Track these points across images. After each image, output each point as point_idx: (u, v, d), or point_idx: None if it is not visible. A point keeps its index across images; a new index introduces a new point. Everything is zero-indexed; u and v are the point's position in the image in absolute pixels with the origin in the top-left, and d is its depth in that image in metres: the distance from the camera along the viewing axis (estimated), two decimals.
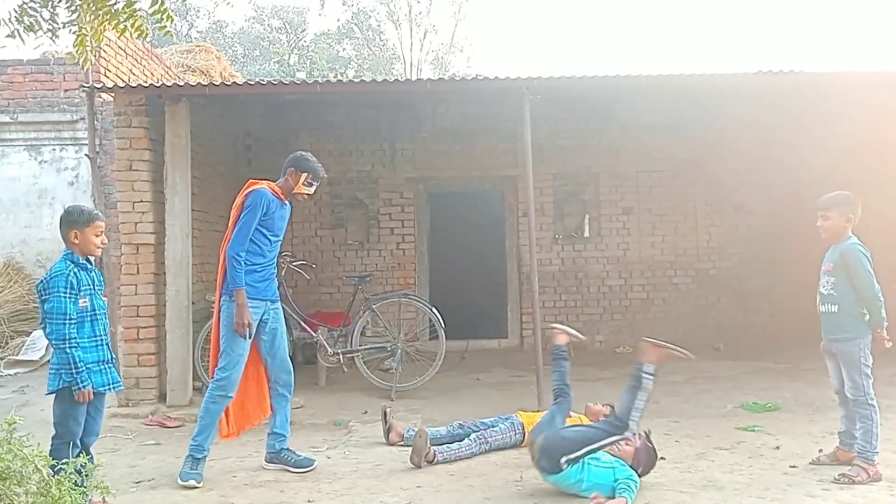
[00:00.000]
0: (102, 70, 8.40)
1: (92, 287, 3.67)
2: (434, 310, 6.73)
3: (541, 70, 7.43)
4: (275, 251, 4.50)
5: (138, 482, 4.27)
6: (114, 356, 3.83)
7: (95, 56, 4.13)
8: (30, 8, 3.66)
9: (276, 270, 4.59)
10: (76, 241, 3.64)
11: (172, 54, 11.47)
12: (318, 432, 5.39)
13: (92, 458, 3.50)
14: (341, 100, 8.54)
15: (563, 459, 3.77)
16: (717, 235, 9.15)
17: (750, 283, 8.99)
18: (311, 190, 4.55)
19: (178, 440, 5.08)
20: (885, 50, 29.09)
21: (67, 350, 3.51)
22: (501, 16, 42.32)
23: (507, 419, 4.88)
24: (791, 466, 4.27)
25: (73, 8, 3.70)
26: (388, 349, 6.67)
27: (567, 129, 8.98)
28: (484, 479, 4.20)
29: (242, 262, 4.26)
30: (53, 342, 3.55)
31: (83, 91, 6.33)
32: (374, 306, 6.66)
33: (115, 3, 3.73)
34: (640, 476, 3.86)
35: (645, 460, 3.93)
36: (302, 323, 6.70)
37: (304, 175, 4.45)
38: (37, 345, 8.14)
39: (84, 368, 3.53)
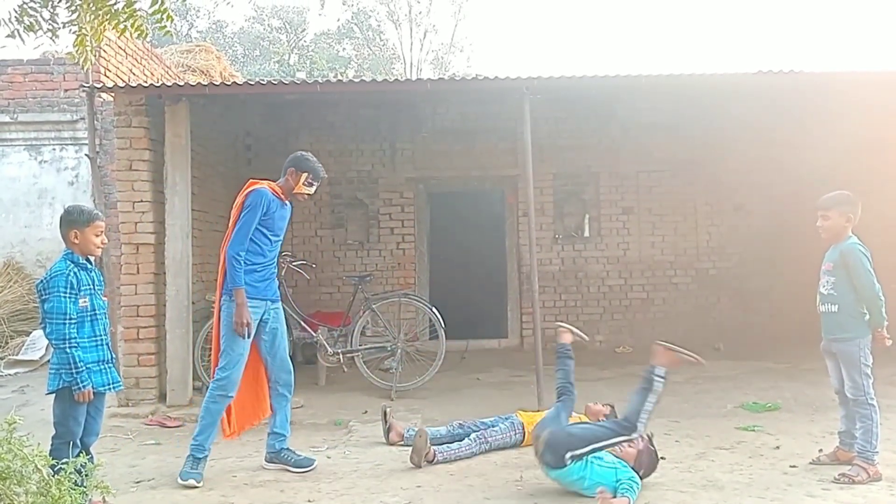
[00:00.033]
0: (102, 70, 8.40)
1: (92, 287, 3.67)
2: (434, 310, 6.73)
3: (541, 70, 7.44)
4: (275, 251, 4.50)
5: (138, 482, 4.27)
6: (114, 356, 3.83)
7: (95, 56, 4.13)
8: (30, 8, 3.66)
9: (276, 270, 4.59)
10: (76, 241, 3.64)
11: (172, 54, 11.47)
12: (318, 432, 5.39)
13: (92, 457, 3.50)
14: (341, 100, 8.54)
15: (568, 455, 3.77)
16: (717, 235, 9.15)
17: (750, 283, 8.99)
18: (312, 190, 4.55)
19: (178, 440, 5.08)
20: (885, 50, 29.10)
21: (67, 350, 3.51)
22: (501, 16, 42.35)
23: (507, 419, 4.88)
24: (791, 466, 4.27)
25: (73, 8, 3.70)
26: (388, 349, 6.67)
27: (567, 129, 8.98)
28: (484, 479, 4.20)
29: (242, 262, 4.26)
30: (53, 342, 3.55)
31: (83, 91, 6.33)
32: (374, 306, 6.66)
33: (115, 3, 3.73)
34: (640, 478, 3.86)
35: (647, 463, 3.94)
36: (302, 323, 6.70)
37: (305, 175, 4.46)
38: (37, 345, 8.14)
39: (84, 368, 3.53)
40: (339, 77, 18.19)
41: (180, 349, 6.06)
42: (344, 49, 28.45)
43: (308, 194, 4.57)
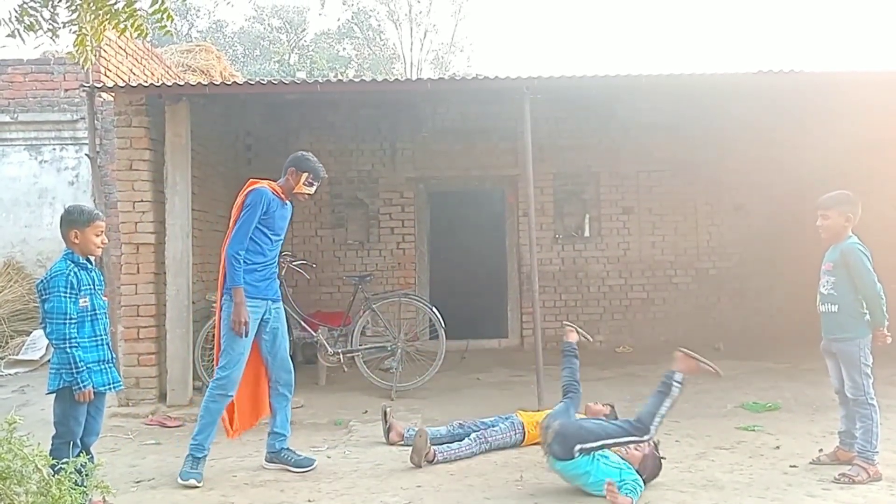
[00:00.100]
0: (102, 70, 8.41)
1: (92, 287, 3.67)
2: (434, 309, 6.73)
3: (541, 70, 7.44)
4: (276, 250, 4.51)
5: (138, 482, 4.27)
6: (114, 356, 3.83)
7: (95, 56, 4.13)
8: (30, 8, 3.66)
9: (277, 270, 4.59)
10: (76, 241, 3.64)
11: (172, 54, 11.47)
12: (319, 432, 5.39)
13: (92, 457, 3.51)
14: (341, 99, 8.54)
15: (578, 447, 3.78)
16: (717, 235, 9.15)
17: (750, 283, 8.99)
18: (312, 190, 4.55)
19: (179, 440, 5.08)
20: (885, 50, 29.10)
21: (68, 350, 3.51)
22: (501, 16, 42.35)
23: (507, 419, 4.88)
24: (791, 466, 4.27)
25: (74, 7, 3.70)
26: (389, 349, 6.67)
27: (567, 129, 8.98)
28: (484, 479, 4.20)
29: (241, 261, 4.26)
30: (54, 342, 3.55)
31: (83, 91, 6.33)
32: (374, 306, 6.66)
33: (115, 3, 3.73)
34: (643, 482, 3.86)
35: (650, 468, 3.94)
36: (302, 322, 6.70)
37: (305, 175, 4.46)
38: (37, 344, 8.15)
39: (84, 368, 3.53)
40: (340, 77, 18.19)
41: (180, 349, 6.06)
42: (344, 49, 28.46)
43: (308, 194, 4.57)
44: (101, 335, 3.68)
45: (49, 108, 9.18)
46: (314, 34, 28.79)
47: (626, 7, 40.35)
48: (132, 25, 3.76)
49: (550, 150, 8.81)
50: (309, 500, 3.93)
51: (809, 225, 4.48)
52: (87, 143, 7.19)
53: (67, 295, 3.52)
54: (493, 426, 4.80)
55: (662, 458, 4.04)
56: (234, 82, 7.60)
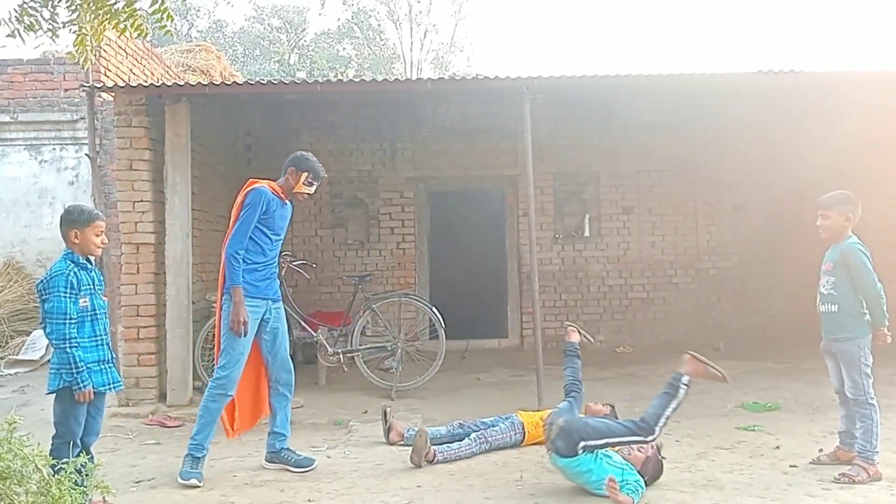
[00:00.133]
0: (102, 70, 8.41)
1: (92, 287, 3.67)
2: (434, 309, 6.73)
3: (541, 70, 7.44)
4: (276, 250, 4.51)
5: (138, 482, 4.27)
6: (114, 356, 3.83)
7: (95, 56, 4.13)
8: (30, 7, 3.66)
9: (277, 270, 4.59)
10: (76, 241, 3.64)
11: (172, 54, 11.47)
12: (319, 432, 5.39)
13: (92, 457, 3.50)
14: (341, 99, 8.54)
15: (581, 444, 3.78)
16: (717, 235, 9.15)
17: (750, 283, 9.00)
18: (312, 189, 4.55)
19: (179, 440, 5.07)
20: (886, 50, 29.10)
21: (68, 350, 3.51)
22: (501, 16, 42.35)
23: (507, 419, 4.88)
24: (791, 466, 4.27)
25: (73, 7, 3.70)
26: (389, 349, 6.67)
27: (567, 129, 8.98)
28: (484, 479, 4.20)
29: (240, 260, 4.27)
30: (54, 342, 3.55)
31: (83, 91, 6.33)
32: (374, 306, 6.66)
33: (115, 3, 3.73)
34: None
35: (652, 470, 3.94)
36: (302, 322, 6.70)
37: (305, 175, 4.46)
38: (37, 344, 8.15)
39: (84, 368, 3.53)
40: (339, 77, 18.19)
41: (180, 349, 6.06)
42: (344, 49, 28.46)
43: (308, 194, 4.57)
44: (101, 335, 3.68)
45: (49, 108, 9.18)
46: (314, 34, 28.81)
47: (626, 7, 40.38)
48: (132, 25, 3.76)
49: (550, 150, 8.81)
50: (309, 500, 3.93)
51: (809, 225, 4.48)
52: (87, 143, 7.19)
53: (67, 295, 3.52)
54: (494, 426, 4.80)
55: (663, 458, 4.04)
56: (234, 82, 7.60)
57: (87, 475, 3.19)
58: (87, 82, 6.23)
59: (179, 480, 4.16)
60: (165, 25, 3.69)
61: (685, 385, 3.93)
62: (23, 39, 3.70)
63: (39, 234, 9.25)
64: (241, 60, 25.58)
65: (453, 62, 29.18)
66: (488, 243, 9.58)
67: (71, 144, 9.33)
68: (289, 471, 4.39)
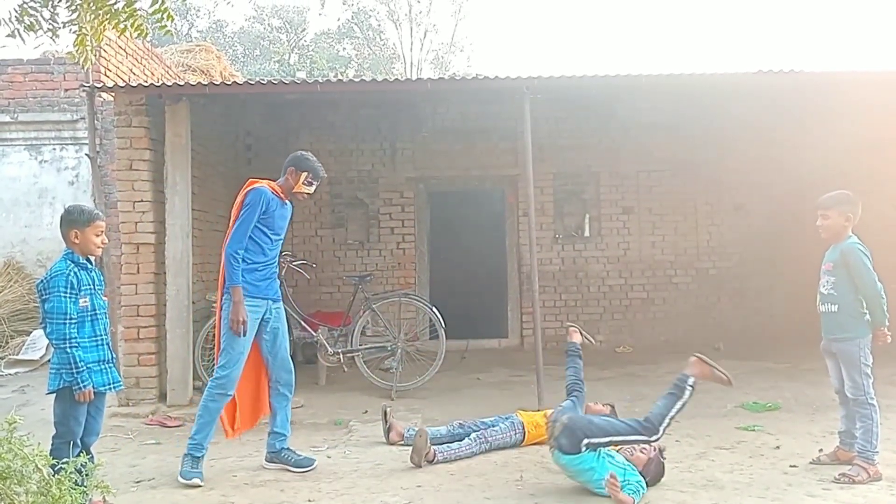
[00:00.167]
0: (102, 70, 8.41)
1: (92, 287, 3.67)
2: (434, 309, 6.73)
3: (541, 70, 7.44)
4: (276, 250, 4.51)
5: (138, 482, 4.27)
6: (114, 356, 3.83)
7: (95, 56, 4.13)
8: (30, 7, 3.66)
9: (277, 270, 4.59)
10: (76, 241, 3.64)
11: (172, 54, 11.48)
12: (319, 432, 5.39)
13: (92, 457, 3.50)
14: (341, 99, 8.55)
15: (585, 441, 3.79)
16: (717, 235, 9.15)
17: (750, 283, 9.00)
18: (311, 189, 4.55)
19: (179, 440, 5.07)
20: (886, 50, 29.10)
21: (68, 350, 3.51)
22: (501, 16, 42.35)
23: (507, 419, 4.88)
24: (791, 466, 4.27)
25: (74, 7, 3.70)
26: (389, 349, 6.67)
27: (567, 129, 8.98)
28: (484, 479, 4.20)
29: (240, 260, 4.27)
30: (54, 342, 3.55)
31: (83, 91, 6.33)
32: (374, 306, 6.66)
33: (115, 3, 3.73)
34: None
35: (654, 472, 3.94)
36: (302, 322, 6.70)
37: (304, 174, 4.46)
38: (37, 344, 8.15)
39: (84, 368, 3.53)
40: (339, 77, 18.19)
41: (180, 349, 6.06)
42: (344, 49, 28.46)
43: (308, 193, 4.57)
44: (101, 335, 3.68)
45: (49, 108, 9.18)
46: (314, 34, 28.81)
47: (626, 7, 40.38)
48: (132, 25, 3.76)
49: (550, 150, 8.81)
50: (309, 500, 3.93)
51: (809, 225, 4.48)
52: (87, 143, 7.19)
53: (67, 295, 3.52)
54: (494, 426, 4.80)
55: (663, 459, 4.04)
56: (234, 82, 7.60)
57: (87, 475, 3.20)
58: (87, 82, 6.23)
59: (181, 480, 4.16)
60: (165, 25, 3.70)
61: (691, 387, 3.96)
62: (23, 39, 3.70)
63: (39, 234, 9.25)
64: (241, 60, 25.58)
65: (453, 62, 29.21)
66: (488, 243, 9.58)
67: (71, 144, 9.34)
68: (289, 471, 4.39)
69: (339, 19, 28.89)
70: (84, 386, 3.52)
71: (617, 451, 3.95)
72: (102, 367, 3.67)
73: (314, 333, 6.68)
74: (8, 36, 3.67)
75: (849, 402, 4.12)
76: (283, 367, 4.51)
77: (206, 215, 7.22)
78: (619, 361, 7.89)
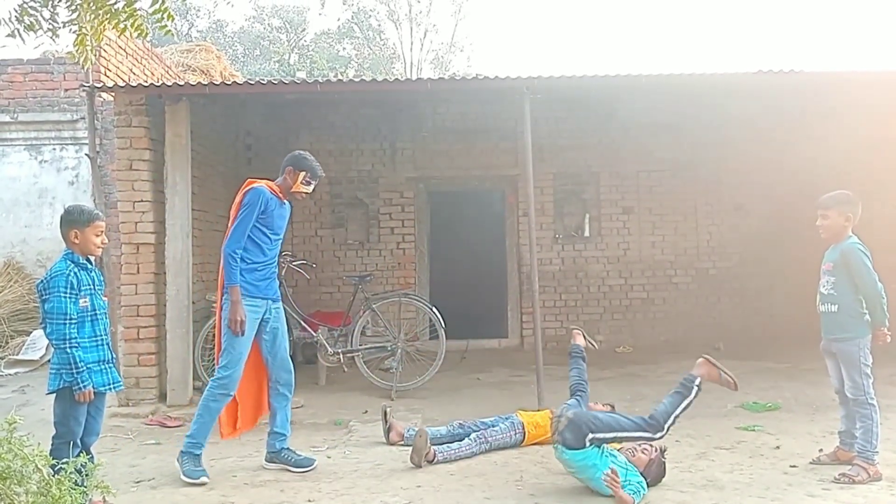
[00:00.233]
0: (102, 69, 8.41)
1: (92, 287, 3.67)
2: (434, 309, 6.73)
3: (541, 70, 7.43)
4: (275, 250, 4.51)
5: (138, 482, 4.27)
6: (114, 356, 3.83)
7: (95, 55, 4.13)
8: (30, 7, 3.66)
9: (276, 269, 4.59)
10: (76, 241, 3.64)
11: (172, 54, 11.47)
12: (319, 432, 5.39)
13: (92, 457, 3.50)
14: (342, 99, 8.55)
15: (590, 437, 3.79)
16: (717, 235, 9.15)
17: (750, 283, 9.00)
18: (310, 189, 4.55)
19: (179, 440, 5.04)
20: (886, 50, 29.11)
21: (68, 350, 3.51)
22: (501, 16, 42.34)
23: (507, 419, 4.88)
24: (791, 466, 4.27)
25: (74, 7, 3.70)
26: (389, 349, 6.67)
27: (567, 129, 8.98)
28: (484, 479, 4.20)
29: (238, 259, 4.27)
30: (54, 342, 3.55)
31: (83, 90, 6.33)
32: (374, 306, 6.66)
33: (115, 3, 3.73)
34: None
35: (655, 473, 3.95)
36: (302, 322, 6.70)
37: (302, 174, 4.46)
38: (37, 344, 8.15)
39: (84, 368, 3.53)
40: (339, 77, 18.18)
41: (180, 349, 6.06)
42: (344, 49, 28.46)
43: (306, 193, 4.57)
44: (101, 335, 3.68)
45: (49, 108, 9.18)
46: (314, 34, 28.80)
47: (626, 7, 40.38)
48: (132, 25, 3.76)
49: (550, 150, 8.81)
50: (309, 500, 3.93)
51: (809, 225, 4.47)
52: (87, 143, 7.19)
53: (67, 295, 3.52)
54: (494, 426, 4.80)
55: (664, 459, 4.04)
56: (234, 82, 7.60)
57: (87, 475, 3.19)
58: (87, 82, 6.23)
59: (188, 480, 4.15)
60: (166, 25, 3.70)
61: (697, 387, 3.99)
62: (23, 39, 3.71)
63: (39, 234, 9.25)
64: (241, 60, 25.58)
65: (453, 62, 29.21)
66: (488, 243, 9.58)
67: (71, 144, 9.34)
68: (289, 471, 4.38)
69: (339, 19, 28.93)
70: (84, 386, 3.52)
71: (619, 451, 3.95)
72: (102, 367, 3.67)
73: (314, 333, 6.68)
74: (8, 36, 3.68)
75: (849, 402, 4.12)
76: (282, 367, 4.51)
77: (206, 215, 7.22)
78: (619, 361, 7.89)
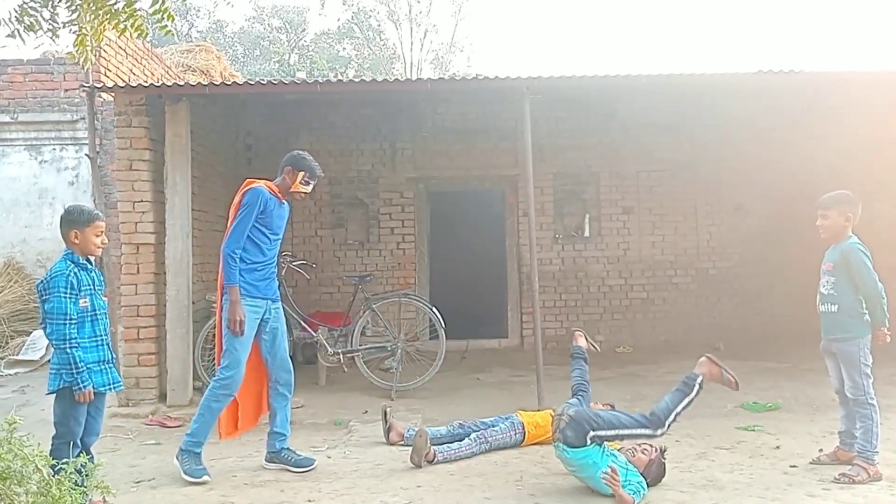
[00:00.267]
0: (102, 70, 8.41)
1: (92, 287, 3.67)
2: (434, 309, 6.73)
3: (541, 70, 7.43)
4: (275, 250, 4.51)
5: (138, 482, 4.27)
6: (114, 356, 3.84)
7: (95, 56, 4.13)
8: (30, 8, 3.66)
9: (276, 269, 4.59)
10: (76, 241, 3.64)
11: (172, 54, 11.48)
12: (319, 432, 5.39)
13: (92, 457, 3.50)
14: (341, 99, 8.55)
15: (591, 434, 3.80)
16: (717, 235, 9.15)
17: (750, 283, 9.00)
18: (309, 189, 4.55)
19: (179, 440, 5.03)
20: (886, 50, 29.11)
21: (68, 350, 3.51)
22: (501, 16, 42.34)
23: (507, 419, 4.88)
24: (791, 466, 4.27)
25: (74, 7, 3.70)
26: (389, 349, 6.67)
27: (567, 129, 8.98)
28: (484, 479, 4.20)
29: (237, 259, 4.27)
30: (54, 342, 3.55)
31: (83, 91, 6.33)
32: (374, 306, 6.66)
33: (115, 3, 3.73)
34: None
35: (655, 474, 3.95)
36: (302, 323, 6.70)
37: (301, 174, 4.46)
38: (37, 345, 8.15)
39: (84, 368, 3.53)
40: (339, 77, 18.18)
41: (180, 349, 6.06)
42: (344, 49, 28.46)
43: (305, 193, 4.57)
44: (101, 335, 3.68)
45: (49, 108, 9.19)
46: (314, 34, 28.81)
47: (626, 7, 40.39)
48: (132, 25, 3.76)
49: (550, 150, 8.81)
50: (309, 500, 3.93)
51: (809, 225, 4.47)
52: (87, 143, 7.19)
53: (67, 295, 3.52)
54: (494, 426, 4.80)
55: (664, 459, 4.04)
56: (234, 82, 7.60)
57: (87, 475, 3.19)
58: (87, 82, 6.23)
59: (189, 479, 4.15)
60: (166, 25, 3.70)
61: (699, 385, 3.99)
62: (23, 39, 3.71)
63: (39, 234, 9.25)
64: (241, 60, 25.59)
65: (453, 62, 29.21)
66: (488, 243, 9.58)
67: (71, 144, 9.34)
68: (289, 471, 4.39)
69: (339, 19, 28.95)
70: (84, 386, 3.52)
71: (619, 452, 3.95)
72: (102, 367, 3.67)
73: (314, 334, 6.68)
74: (8, 36, 3.68)
75: (849, 402, 4.12)
76: (282, 367, 4.51)
77: (206, 215, 7.22)
78: (619, 361, 7.89)
